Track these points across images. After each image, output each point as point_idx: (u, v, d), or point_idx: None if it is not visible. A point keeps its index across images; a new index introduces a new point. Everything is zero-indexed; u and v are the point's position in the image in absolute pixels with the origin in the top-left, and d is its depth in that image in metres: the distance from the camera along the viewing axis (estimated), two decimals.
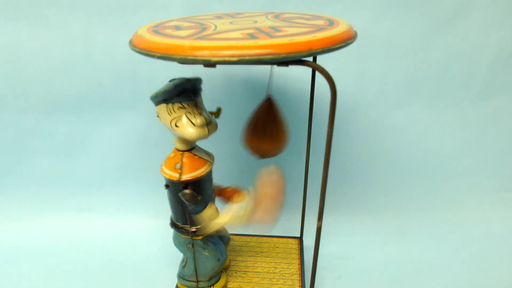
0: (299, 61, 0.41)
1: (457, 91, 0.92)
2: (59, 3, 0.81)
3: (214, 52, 0.38)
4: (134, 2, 0.81)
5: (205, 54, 0.38)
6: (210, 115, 0.61)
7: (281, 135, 0.62)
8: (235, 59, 0.38)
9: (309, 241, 0.91)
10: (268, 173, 0.60)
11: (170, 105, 0.57)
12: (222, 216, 0.65)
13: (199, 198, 0.61)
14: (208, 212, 0.64)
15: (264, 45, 0.38)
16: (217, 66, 0.44)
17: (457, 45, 0.86)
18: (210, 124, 0.59)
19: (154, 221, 1.02)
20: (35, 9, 0.81)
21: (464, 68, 0.89)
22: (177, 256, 0.75)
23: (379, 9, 0.82)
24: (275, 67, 0.49)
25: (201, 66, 0.73)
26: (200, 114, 0.58)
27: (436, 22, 0.84)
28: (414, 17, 0.83)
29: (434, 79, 0.90)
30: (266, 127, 0.62)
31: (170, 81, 0.60)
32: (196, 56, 0.38)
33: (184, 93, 0.56)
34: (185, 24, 0.53)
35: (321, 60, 0.69)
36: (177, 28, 0.49)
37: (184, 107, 0.57)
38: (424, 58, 0.87)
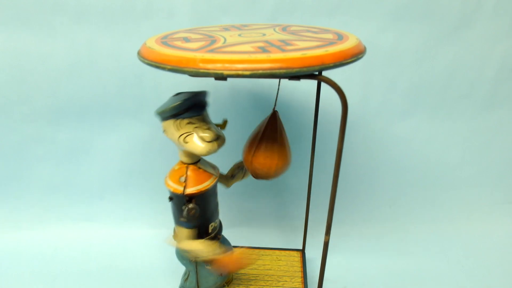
0: (311, 75, 0.41)
1: (461, 102, 0.92)
2: (65, 11, 0.81)
3: (227, 65, 0.38)
4: (140, 11, 0.81)
5: (217, 67, 0.38)
6: (217, 129, 0.60)
7: (281, 156, 0.60)
8: (247, 72, 0.37)
9: (311, 254, 0.90)
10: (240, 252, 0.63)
11: (178, 121, 0.56)
12: (194, 242, 0.64)
13: (199, 216, 0.61)
14: (189, 233, 0.63)
15: (277, 59, 0.38)
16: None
17: (461, 56, 0.87)
18: (219, 139, 0.58)
19: (156, 231, 1.01)
20: (41, 16, 0.81)
21: (468, 79, 0.89)
22: (179, 267, 0.73)
23: (383, 20, 0.83)
24: (282, 81, 0.49)
25: (202, 78, 0.73)
26: (209, 129, 0.57)
27: (440, 33, 0.84)
28: (419, 28, 0.84)
29: (438, 90, 0.90)
30: (267, 145, 0.59)
31: (175, 95, 0.59)
32: (208, 69, 0.38)
33: (192, 108, 0.56)
34: (194, 36, 0.52)
35: (326, 71, 0.69)
36: (186, 40, 0.49)
37: (193, 123, 0.56)
38: (428, 69, 0.88)
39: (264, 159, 0.60)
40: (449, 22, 0.83)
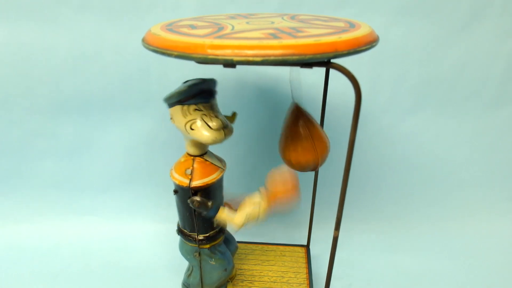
0: (323, 63, 0.40)
1: (469, 99, 0.90)
2: (68, 2, 0.79)
3: (237, 51, 0.36)
4: (145, 2, 0.80)
5: (227, 54, 0.36)
6: (225, 119, 0.59)
7: (317, 144, 0.56)
8: (258, 59, 0.36)
9: (316, 250, 0.89)
10: (279, 172, 0.57)
11: (185, 107, 0.54)
12: (238, 218, 0.60)
13: (209, 204, 0.59)
14: (221, 215, 0.62)
15: (289, 45, 0.36)
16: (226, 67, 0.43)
17: (470, 53, 0.85)
18: (226, 128, 0.56)
19: (159, 226, 1.00)
20: (44, 8, 0.80)
21: (477, 76, 0.88)
22: (182, 262, 0.72)
23: (393, 15, 0.82)
24: (296, 72, 0.47)
25: (209, 69, 0.72)
26: (217, 117, 0.55)
27: (449, 29, 0.83)
28: (428, 24, 0.82)
29: (447, 87, 0.89)
30: (299, 138, 0.56)
31: (184, 82, 0.58)
32: (217, 55, 0.36)
33: (200, 94, 0.54)
34: (200, 23, 0.51)
35: (338, 58, 0.68)
36: (192, 27, 0.47)
37: (200, 109, 0.55)
38: (437, 65, 0.86)
39: (302, 155, 0.57)
40: (458, 19, 0.82)
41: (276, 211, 0.59)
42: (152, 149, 0.95)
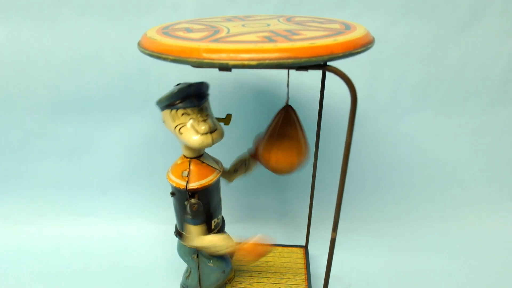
0: (319, 66, 0.40)
1: (469, 99, 0.90)
2: (68, 3, 0.79)
3: (232, 55, 0.36)
4: (144, 4, 0.80)
5: (222, 57, 0.36)
6: (216, 122, 0.58)
7: (298, 149, 0.58)
8: (254, 62, 0.36)
9: (314, 250, 0.89)
10: (255, 241, 0.61)
11: (174, 111, 0.55)
12: (207, 238, 0.62)
13: (203, 211, 0.59)
14: (197, 229, 0.62)
15: (284, 48, 0.36)
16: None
17: (470, 53, 0.85)
18: (214, 132, 0.56)
19: (159, 227, 1.00)
20: (44, 8, 0.80)
21: (477, 75, 0.87)
22: (182, 263, 0.72)
23: (392, 14, 0.81)
24: (291, 74, 0.47)
25: (208, 70, 0.71)
26: (205, 121, 0.55)
27: (449, 29, 0.83)
28: (428, 24, 0.82)
29: (447, 87, 0.89)
30: (283, 140, 0.57)
31: (176, 85, 0.58)
32: (213, 59, 0.36)
33: (187, 99, 0.54)
34: (196, 26, 0.50)
35: (332, 64, 0.67)
36: (188, 30, 0.47)
37: (188, 114, 0.55)
38: (437, 65, 0.86)
39: (284, 157, 0.58)
40: (458, 19, 0.82)
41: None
42: (152, 149, 0.96)
